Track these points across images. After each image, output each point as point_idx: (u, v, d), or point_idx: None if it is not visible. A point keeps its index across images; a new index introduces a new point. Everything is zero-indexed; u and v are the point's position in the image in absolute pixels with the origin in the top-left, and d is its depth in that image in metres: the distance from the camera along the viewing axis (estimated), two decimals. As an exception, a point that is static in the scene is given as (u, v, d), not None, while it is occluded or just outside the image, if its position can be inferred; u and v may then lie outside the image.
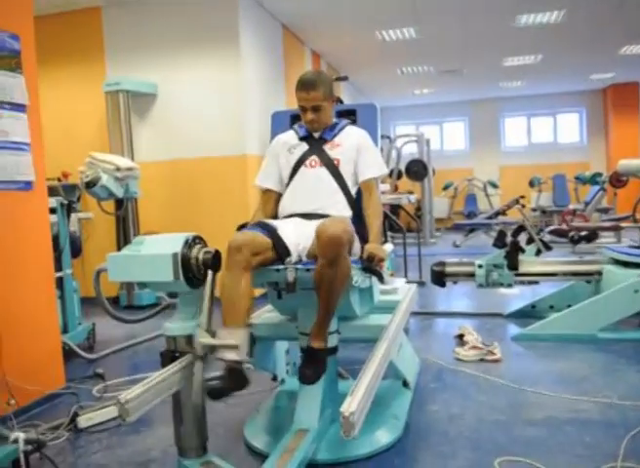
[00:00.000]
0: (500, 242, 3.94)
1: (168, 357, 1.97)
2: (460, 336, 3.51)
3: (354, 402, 1.50)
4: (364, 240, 2.23)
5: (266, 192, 2.51)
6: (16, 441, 1.98)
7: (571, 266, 3.98)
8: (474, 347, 3.22)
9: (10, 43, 2.65)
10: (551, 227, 6.17)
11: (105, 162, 4.44)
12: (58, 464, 2.09)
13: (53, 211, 3.41)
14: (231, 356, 1.88)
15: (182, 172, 5.31)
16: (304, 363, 2.07)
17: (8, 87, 2.62)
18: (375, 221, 2.27)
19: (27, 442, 2.01)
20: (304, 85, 2.32)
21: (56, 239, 3.42)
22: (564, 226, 6.94)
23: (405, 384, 2.63)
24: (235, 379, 1.90)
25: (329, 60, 8.20)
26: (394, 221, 5.97)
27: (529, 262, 3.96)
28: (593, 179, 8.82)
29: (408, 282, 3.48)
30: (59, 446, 2.32)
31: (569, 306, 3.70)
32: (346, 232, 1.98)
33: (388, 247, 2.41)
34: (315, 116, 2.35)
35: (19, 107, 2.68)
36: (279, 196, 2.47)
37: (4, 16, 2.64)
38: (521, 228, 4.11)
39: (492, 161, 12.31)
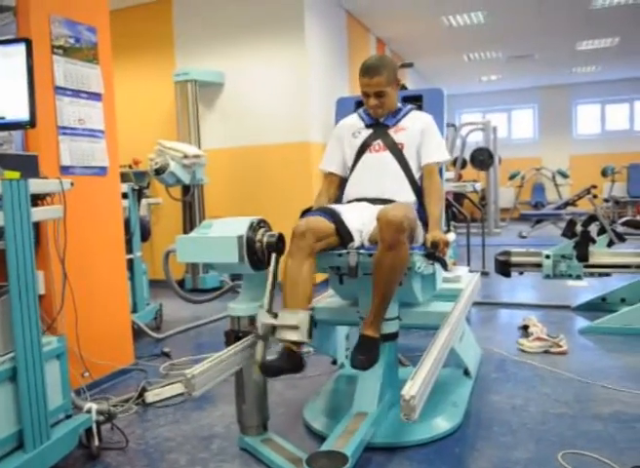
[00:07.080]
0: (569, 231, 3.79)
1: (232, 336, 2.04)
2: (525, 327, 3.42)
3: (415, 385, 1.50)
4: (428, 227, 2.20)
5: (329, 176, 2.51)
6: (89, 411, 2.09)
7: (645, 258, 3.79)
8: (539, 338, 3.13)
9: (87, 35, 2.77)
10: (625, 218, 5.89)
11: (173, 150, 4.60)
12: (127, 435, 2.20)
13: (124, 196, 3.56)
14: (291, 336, 1.90)
15: (247, 159, 5.40)
16: (357, 349, 2.01)
17: (85, 77, 2.75)
18: (435, 207, 2.23)
19: (99, 412, 2.12)
20: (367, 70, 2.29)
21: (127, 223, 3.56)
22: (639, 217, 6.60)
23: (466, 373, 2.60)
24: (292, 361, 1.91)
25: (394, 47, 8.11)
26: (458, 210, 5.85)
27: (600, 253, 3.79)
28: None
29: (470, 271, 3.42)
30: (127, 418, 2.43)
31: (642, 300, 3.53)
32: (407, 218, 1.96)
33: (451, 236, 2.37)
34: (378, 102, 2.32)
35: (95, 96, 2.81)
36: (342, 180, 2.47)
37: (82, 9, 2.75)
38: (592, 218, 3.94)
39: (562, 150, 11.86)
